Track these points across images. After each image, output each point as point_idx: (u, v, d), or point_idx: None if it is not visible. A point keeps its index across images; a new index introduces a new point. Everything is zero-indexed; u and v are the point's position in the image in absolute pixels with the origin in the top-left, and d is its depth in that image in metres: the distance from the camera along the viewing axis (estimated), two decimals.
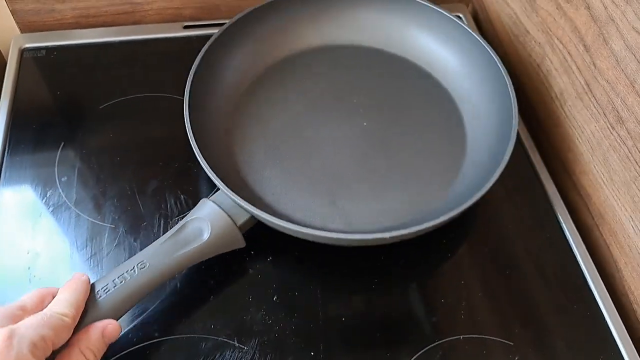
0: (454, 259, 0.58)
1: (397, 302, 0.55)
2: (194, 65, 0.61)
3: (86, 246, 0.56)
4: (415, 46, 0.70)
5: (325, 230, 0.52)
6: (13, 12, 0.72)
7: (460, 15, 0.79)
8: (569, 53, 0.62)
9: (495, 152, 0.58)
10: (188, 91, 0.59)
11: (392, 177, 0.61)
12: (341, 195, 0.59)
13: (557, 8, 0.63)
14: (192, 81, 0.59)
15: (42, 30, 0.74)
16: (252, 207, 0.51)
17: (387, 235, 0.51)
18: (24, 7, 0.71)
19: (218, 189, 0.54)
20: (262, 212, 0.51)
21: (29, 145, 0.63)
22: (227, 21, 0.74)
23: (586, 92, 0.59)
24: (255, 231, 0.56)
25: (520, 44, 0.71)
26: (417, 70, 0.69)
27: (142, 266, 0.49)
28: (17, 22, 0.73)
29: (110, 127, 0.65)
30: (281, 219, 0.52)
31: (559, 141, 0.66)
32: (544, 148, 0.68)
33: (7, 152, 0.62)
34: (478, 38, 0.64)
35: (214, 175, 0.53)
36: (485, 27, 0.80)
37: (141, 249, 0.55)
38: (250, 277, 0.55)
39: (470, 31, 0.65)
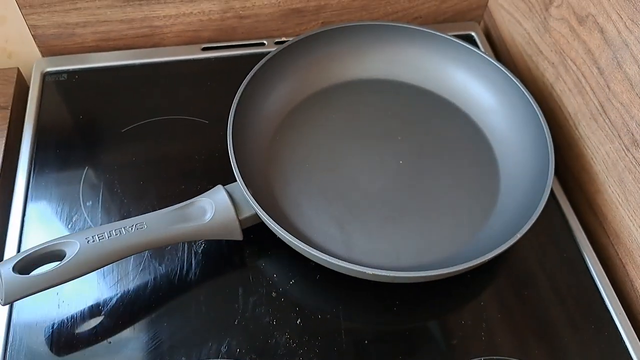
0: (472, 279, 0.59)
1: (418, 324, 0.57)
2: (243, 83, 0.63)
3: (112, 271, 0.57)
4: (453, 85, 0.71)
5: (322, 251, 0.53)
6: (35, 37, 0.73)
7: (473, 34, 0.80)
8: (582, 75, 0.63)
9: (524, 203, 0.59)
10: (234, 108, 0.61)
11: (418, 216, 0.61)
12: (355, 223, 0.60)
13: (570, 30, 0.64)
14: (238, 99, 0.62)
15: (63, 54, 0.75)
16: (255, 203, 0.54)
17: (369, 271, 0.52)
18: (45, 31, 0.73)
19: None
20: (263, 212, 0.54)
21: (53, 170, 0.65)
22: (244, 42, 0.77)
23: (600, 114, 0.60)
24: (279, 255, 0.58)
25: (533, 63, 0.72)
26: (455, 109, 0.70)
27: (140, 227, 0.52)
28: (38, 46, 0.74)
29: (132, 150, 0.67)
30: (282, 226, 0.53)
31: (572, 160, 0.67)
32: (558, 166, 0.69)
33: (32, 177, 0.64)
34: (515, 80, 0.65)
35: (235, 163, 0.56)
36: (497, 46, 0.81)
37: (166, 274, 0.57)
38: (273, 300, 0.56)
39: (508, 73, 0.66)
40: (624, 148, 0.58)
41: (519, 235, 0.54)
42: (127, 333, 0.54)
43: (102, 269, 0.54)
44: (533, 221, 0.54)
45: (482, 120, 0.69)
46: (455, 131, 0.68)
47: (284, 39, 0.78)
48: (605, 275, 0.60)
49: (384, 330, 0.56)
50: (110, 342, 0.54)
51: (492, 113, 0.68)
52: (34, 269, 0.50)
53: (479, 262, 0.52)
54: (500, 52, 0.80)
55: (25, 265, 0.49)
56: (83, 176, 0.64)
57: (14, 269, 0.48)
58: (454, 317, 0.57)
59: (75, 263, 0.49)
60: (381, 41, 0.72)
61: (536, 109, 0.63)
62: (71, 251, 0.50)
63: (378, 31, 0.71)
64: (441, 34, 0.69)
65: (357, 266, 0.52)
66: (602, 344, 0.56)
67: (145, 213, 0.60)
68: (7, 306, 0.55)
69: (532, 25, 0.71)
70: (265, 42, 0.78)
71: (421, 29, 0.70)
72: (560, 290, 0.59)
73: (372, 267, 0.52)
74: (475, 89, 0.70)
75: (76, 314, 0.55)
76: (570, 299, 0.58)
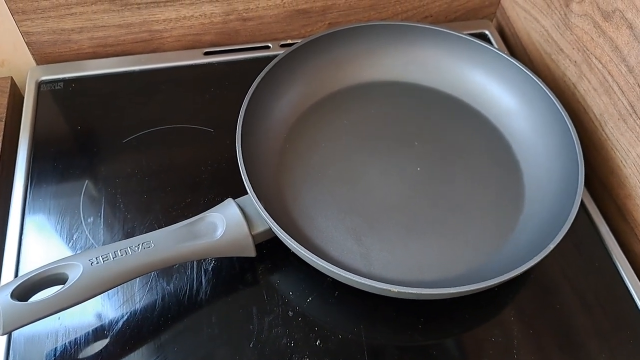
0: (499, 292, 0.56)
1: (445, 341, 0.53)
2: (250, 89, 0.60)
3: (117, 293, 0.54)
4: (470, 86, 0.67)
5: (340, 266, 0.49)
6: (28, 44, 0.69)
7: (486, 32, 0.77)
8: (609, 73, 0.60)
9: (552, 210, 0.56)
10: (243, 113, 0.58)
11: (439, 226, 0.58)
12: (373, 235, 0.57)
13: (594, 27, 0.61)
14: (246, 106, 0.58)
15: (58, 62, 0.72)
16: (269, 218, 0.51)
17: (394, 288, 0.48)
18: (39, 38, 0.69)
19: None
20: (277, 226, 0.50)
21: (52, 184, 0.61)
22: (247, 46, 0.73)
23: (631, 114, 0.57)
24: (294, 271, 0.54)
25: (552, 62, 0.69)
26: (473, 112, 0.66)
27: (147, 246, 0.49)
28: (32, 54, 0.71)
29: (134, 162, 0.63)
30: (298, 242, 0.50)
31: (599, 164, 0.63)
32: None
33: (30, 192, 0.60)
34: (537, 80, 0.62)
35: (246, 174, 0.53)
36: (513, 44, 0.77)
37: (175, 294, 0.54)
38: (290, 320, 0.53)
39: (529, 73, 0.62)
40: None
41: (552, 246, 0.51)
42: (134, 358, 0.51)
43: None
44: (566, 229, 0.51)
45: (502, 123, 0.65)
46: (474, 135, 0.65)
47: (289, 41, 0.75)
48: (638, 282, 0.57)
49: (410, 349, 0.52)
50: None
51: (512, 115, 0.65)
52: (34, 295, 0.46)
53: (511, 275, 0.49)
54: (516, 51, 0.77)
55: (24, 291, 0.46)
56: (83, 190, 0.61)
57: (12, 295, 0.45)
58: (483, 333, 0.53)
59: (78, 287, 0.46)
60: (393, 42, 0.68)
61: (561, 110, 0.60)
62: (74, 274, 0.46)
63: (389, 31, 0.68)
64: (456, 33, 0.66)
65: (381, 283, 0.48)
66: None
67: (150, 228, 0.57)
68: None
69: (551, 22, 0.68)
70: (270, 45, 0.74)
71: (435, 27, 0.66)
72: (595, 301, 0.55)
73: (393, 283, 0.49)
74: (494, 90, 0.66)
75: (79, 338, 0.52)
76: (605, 310, 0.55)
